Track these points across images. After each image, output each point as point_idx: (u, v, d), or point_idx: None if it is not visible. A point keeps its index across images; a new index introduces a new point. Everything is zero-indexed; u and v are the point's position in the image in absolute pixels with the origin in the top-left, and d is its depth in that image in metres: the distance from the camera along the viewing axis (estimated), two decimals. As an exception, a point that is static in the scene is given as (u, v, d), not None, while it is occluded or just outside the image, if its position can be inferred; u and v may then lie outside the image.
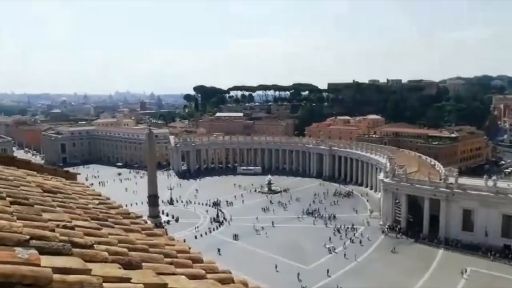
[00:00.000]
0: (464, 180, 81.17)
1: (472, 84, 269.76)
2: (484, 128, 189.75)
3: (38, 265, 2.16)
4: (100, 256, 2.67)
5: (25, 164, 6.35)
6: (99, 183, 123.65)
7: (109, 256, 2.72)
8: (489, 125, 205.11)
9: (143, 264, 2.90)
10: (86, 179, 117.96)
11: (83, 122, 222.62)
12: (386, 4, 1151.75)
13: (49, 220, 3.18)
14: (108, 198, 6.12)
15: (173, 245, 4.05)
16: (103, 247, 2.95)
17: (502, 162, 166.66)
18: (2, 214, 2.80)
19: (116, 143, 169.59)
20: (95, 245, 2.88)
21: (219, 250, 70.52)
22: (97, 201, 5.46)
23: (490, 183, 75.73)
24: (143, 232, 4.26)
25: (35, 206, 3.57)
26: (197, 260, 3.65)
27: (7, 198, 3.43)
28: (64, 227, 3.13)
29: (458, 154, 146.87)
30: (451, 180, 79.64)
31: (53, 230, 2.87)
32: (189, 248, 4.15)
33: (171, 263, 3.20)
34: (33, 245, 2.39)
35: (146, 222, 5.12)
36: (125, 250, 3.03)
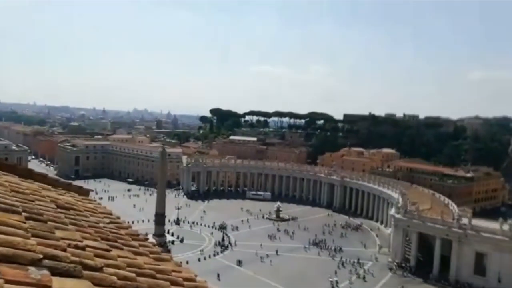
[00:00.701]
0: (478, 222, 79.02)
1: (490, 125, 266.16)
2: (502, 169, 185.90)
3: (50, 287, 2.17)
4: (109, 280, 2.68)
5: (42, 178, 6.46)
6: (109, 197, 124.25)
7: (117, 281, 2.73)
8: (506, 167, 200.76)
9: (150, 291, 2.89)
10: (96, 193, 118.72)
11: (99, 136, 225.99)
12: (406, 39, 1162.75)
13: (62, 238, 3.22)
14: (119, 217, 6.15)
15: (180, 272, 4.03)
16: (112, 270, 2.95)
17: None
18: (17, 230, 2.85)
19: (129, 159, 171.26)
20: (104, 268, 2.90)
21: (218, 275, 69.23)
22: (107, 220, 5.50)
23: (506, 227, 73.51)
24: (151, 256, 4.26)
25: (49, 222, 3.62)
26: (203, 290, 3.62)
27: (23, 213, 3.50)
28: (76, 246, 3.16)
29: (473, 194, 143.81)
30: (465, 221, 77.64)
31: (64, 250, 2.90)
32: (196, 275, 4.12)
33: (177, 292, 3.18)
34: (45, 265, 2.42)
35: (155, 245, 5.12)
36: (133, 275, 3.03)
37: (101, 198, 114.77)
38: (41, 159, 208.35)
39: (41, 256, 2.48)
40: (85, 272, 2.63)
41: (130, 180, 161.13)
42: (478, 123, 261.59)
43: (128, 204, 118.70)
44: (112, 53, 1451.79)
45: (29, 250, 2.51)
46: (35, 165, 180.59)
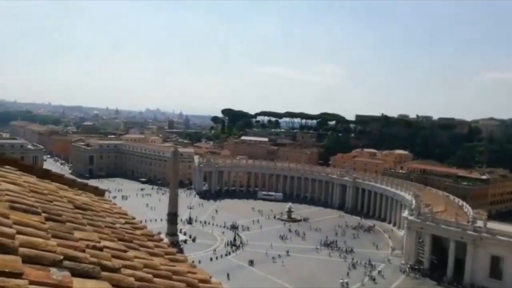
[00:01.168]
0: (493, 225, 77.63)
1: (506, 126, 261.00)
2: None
3: (71, 288, 2.18)
4: (127, 282, 2.71)
5: (58, 178, 6.57)
6: (122, 197, 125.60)
7: (135, 282, 2.76)
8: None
9: (167, 292, 2.92)
10: (110, 192, 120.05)
11: (112, 136, 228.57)
12: (420, 41, 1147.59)
13: (80, 239, 3.27)
14: (134, 218, 6.22)
15: (195, 273, 4.06)
16: (129, 271, 2.99)
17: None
18: (38, 231, 2.91)
19: (141, 159, 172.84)
20: (121, 269, 2.94)
21: (228, 275, 69.26)
22: (123, 220, 5.56)
23: (522, 230, 72.14)
24: (166, 256, 4.30)
25: (67, 223, 3.68)
26: (218, 292, 3.64)
27: (43, 214, 3.57)
28: (94, 247, 3.21)
29: (489, 197, 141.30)
30: (480, 223, 76.37)
31: (83, 251, 2.95)
32: (210, 277, 4.15)
33: (193, 293, 3.20)
34: (66, 266, 2.47)
35: (169, 246, 5.16)
36: (150, 276, 3.07)
37: (115, 197, 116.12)
38: (56, 158, 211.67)
39: (61, 257, 2.53)
40: (103, 273, 2.68)
41: (142, 179, 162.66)
42: (494, 125, 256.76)
43: (141, 203, 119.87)
44: (125, 54, 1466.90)
45: (50, 251, 2.56)
46: (50, 164, 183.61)
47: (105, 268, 2.79)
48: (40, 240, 2.68)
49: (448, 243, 78.74)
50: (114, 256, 3.22)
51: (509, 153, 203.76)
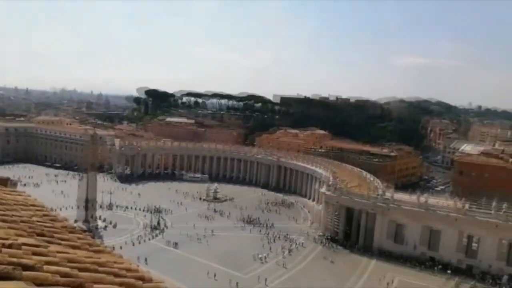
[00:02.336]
0: (399, 196, 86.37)
1: (413, 107, 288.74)
2: (421, 148, 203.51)
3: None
4: (52, 279, 2.68)
5: (-39, 170, 6.00)
6: (34, 184, 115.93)
7: (60, 279, 2.74)
8: (425, 146, 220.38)
9: (94, 285, 2.94)
10: (20, 181, 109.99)
11: (22, 118, 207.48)
12: (341, 26, 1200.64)
13: (-5, 238, 3.12)
14: (52, 209, 5.95)
15: (122, 263, 4.07)
16: (53, 268, 2.94)
17: (434, 180, 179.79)
18: None
19: (55, 143, 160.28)
20: (44, 266, 2.88)
21: (146, 259, 66.50)
22: (40, 213, 5.31)
23: (422, 199, 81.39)
24: (90, 249, 4.24)
25: (-22, 221, 3.46)
26: (146, 280, 3.71)
27: (-52, 213, 3.31)
28: (11, 246, 3.08)
29: (396, 171, 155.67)
30: (388, 195, 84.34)
31: (0, 251, 2.83)
32: (138, 266, 4.19)
33: (121, 284, 3.24)
34: (-17, 269, 2.37)
35: (85, 231, 5.06)
36: (76, 271, 3.04)
37: (25, 184, 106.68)
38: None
39: (-23, 259, 2.42)
40: (25, 273, 2.61)
41: (57, 165, 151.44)
42: (403, 106, 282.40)
43: (55, 191, 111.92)
44: (39, 26, 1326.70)
45: (-37, 254, 2.43)
46: None
47: (26, 267, 2.71)
48: (-50, 243, 2.52)
49: (360, 214, 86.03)
50: (34, 253, 3.13)
51: (415, 132, 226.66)
